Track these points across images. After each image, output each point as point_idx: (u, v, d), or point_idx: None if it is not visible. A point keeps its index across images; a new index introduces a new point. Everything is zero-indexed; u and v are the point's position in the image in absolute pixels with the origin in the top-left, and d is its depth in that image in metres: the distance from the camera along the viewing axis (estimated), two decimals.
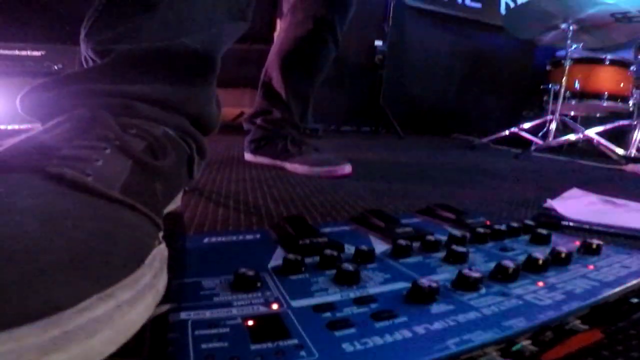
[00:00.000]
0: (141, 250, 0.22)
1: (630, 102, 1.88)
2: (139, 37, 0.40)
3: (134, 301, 0.19)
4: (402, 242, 0.34)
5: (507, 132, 1.93)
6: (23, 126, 1.32)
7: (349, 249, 0.34)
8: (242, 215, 0.54)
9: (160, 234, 0.27)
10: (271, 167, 0.95)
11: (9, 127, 1.34)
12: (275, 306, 0.23)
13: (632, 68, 1.93)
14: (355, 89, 2.53)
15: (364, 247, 0.33)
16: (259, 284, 0.26)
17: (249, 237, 0.38)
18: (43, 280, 0.15)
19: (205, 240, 0.36)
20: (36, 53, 1.52)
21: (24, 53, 1.50)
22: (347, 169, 0.89)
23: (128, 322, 0.18)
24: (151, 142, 0.34)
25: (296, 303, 0.24)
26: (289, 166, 0.93)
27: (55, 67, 1.51)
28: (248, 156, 1.05)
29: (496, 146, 2.00)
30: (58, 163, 0.25)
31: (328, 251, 0.31)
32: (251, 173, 0.86)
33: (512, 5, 2.94)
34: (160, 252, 0.25)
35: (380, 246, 0.36)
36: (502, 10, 2.92)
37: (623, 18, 1.71)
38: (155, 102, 0.38)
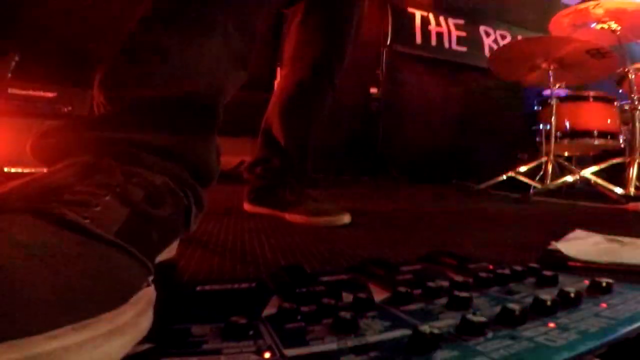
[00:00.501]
0: (126, 289, 0.23)
1: (621, 139, 1.92)
2: (149, 85, 0.43)
3: (110, 335, 0.19)
4: (402, 289, 0.33)
5: (504, 177, 1.95)
6: (27, 170, 1.32)
7: (347, 297, 0.33)
8: (239, 265, 0.53)
9: (150, 278, 0.28)
10: (270, 216, 0.95)
11: (13, 170, 1.34)
12: (267, 355, 0.22)
13: (616, 103, 1.99)
14: (353, 137, 2.59)
15: (362, 295, 0.31)
16: (251, 332, 0.25)
17: (244, 285, 0.36)
18: (20, 307, 0.17)
19: (198, 288, 0.35)
20: (49, 94, 1.56)
21: (37, 93, 1.54)
22: (346, 218, 0.88)
23: (101, 354, 0.18)
24: (151, 191, 0.34)
25: (290, 352, 0.22)
26: (288, 216, 0.93)
27: (65, 110, 1.55)
28: (247, 206, 1.04)
29: (495, 191, 2.00)
30: (58, 206, 0.26)
31: (325, 299, 0.29)
32: (249, 223, 0.85)
33: (494, 47, 3.10)
34: (147, 293, 0.25)
35: (380, 294, 0.35)
36: (487, 52, 3.08)
37: (597, 54, 1.81)
38: (158, 151, 0.39)
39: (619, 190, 1.61)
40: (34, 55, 1.87)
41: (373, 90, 2.57)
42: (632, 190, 1.59)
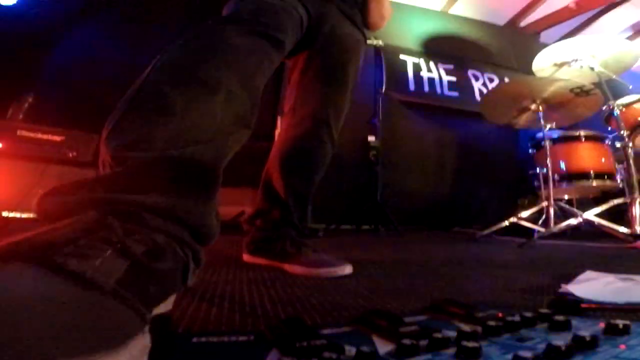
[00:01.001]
0: (121, 334, 0.25)
1: (618, 179, 1.91)
2: (154, 144, 0.44)
3: None
4: (407, 341, 0.31)
5: (506, 223, 1.93)
6: (25, 215, 1.30)
7: (350, 351, 0.31)
8: (237, 316, 0.50)
9: (146, 328, 0.28)
10: (270, 267, 0.92)
11: (11, 215, 1.31)
12: None
13: (607, 142, 2.00)
14: (353, 187, 2.60)
15: (365, 349, 0.30)
16: None
17: (242, 338, 0.35)
18: (20, 341, 0.20)
19: (194, 339, 0.34)
20: (56, 138, 1.55)
21: (45, 137, 1.53)
22: (348, 268, 0.86)
23: None
24: (151, 247, 0.36)
25: None
26: (288, 267, 0.90)
27: (70, 155, 1.55)
28: (246, 257, 1.02)
29: (498, 237, 1.97)
30: (61, 257, 0.28)
31: (327, 353, 0.28)
32: (248, 274, 0.83)
33: (484, 90, 3.19)
34: (141, 340, 0.26)
35: (384, 347, 0.33)
36: (477, 96, 3.17)
37: (581, 92, 1.85)
38: (159, 212, 0.41)
39: (623, 229, 1.58)
40: (46, 98, 1.93)
41: (371, 138, 2.61)
42: (637, 229, 1.56)
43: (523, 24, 3.86)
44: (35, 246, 0.30)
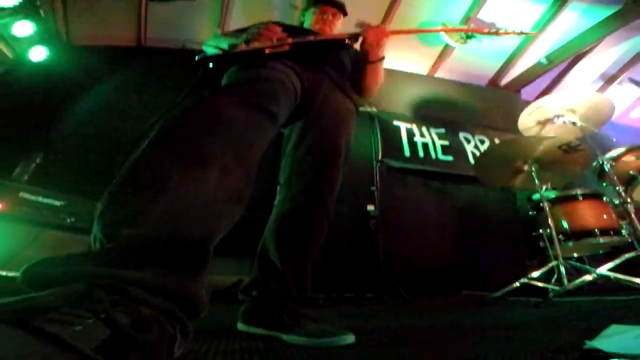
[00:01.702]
0: None
1: (624, 233, 1.85)
2: (145, 222, 0.45)
3: None
4: None
5: (517, 284, 1.83)
6: (12, 273, 1.26)
7: None
8: None
9: None
10: (266, 337, 0.85)
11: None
12: None
13: (605, 198, 1.97)
14: (354, 256, 2.52)
15: None
16: None
17: None
18: None
19: None
20: (56, 202, 1.54)
21: (46, 201, 1.52)
22: (350, 338, 0.79)
23: None
24: (136, 319, 0.36)
25: None
26: (286, 337, 0.83)
27: (68, 220, 1.53)
28: (241, 326, 0.95)
29: (510, 298, 1.85)
30: (40, 321, 0.29)
31: None
32: (242, 344, 0.76)
33: (477, 153, 3.21)
34: None
35: None
36: (471, 159, 3.20)
37: (568, 149, 1.86)
38: (148, 287, 0.41)
39: None
40: (53, 161, 1.98)
41: (370, 207, 2.59)
42: None
43: (504, 82, 4.11)
44: (17, 309, 0.30)
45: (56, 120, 2.64)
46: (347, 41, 1.16)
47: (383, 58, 1.24)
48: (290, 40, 1.05)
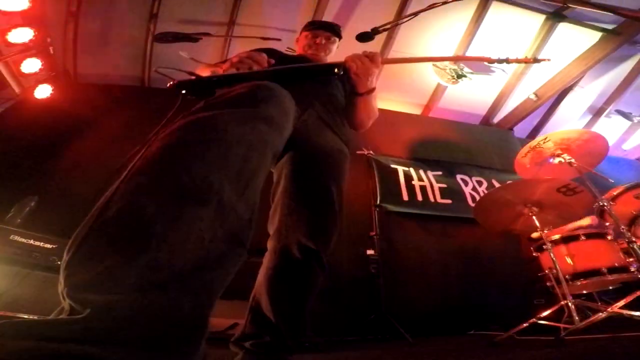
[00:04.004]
0: None
1: (633, 269, 1.77)
2: (121, 284, 0.35)
3: None
4: None
5: (526, 324, 1.72)
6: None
7: None
8: None
9: None
10: None
11: None
12: None
13: (609, 237, 1.91)
14: (355, 300, 2.43)
15: None
16: None
17: None
18: None
19: None
20: (48, 245, 1.52)
21: (36, 244, 1.50)
22: None
23: None
24: None
25: None
26: None
27: (58, 263, 1.50)
28: None
29: (520, 337, 1.74)
30: None
31: None
32: None
33: (475, 195, 3.17)
34: None
35: None
36: (470, 201, 3.13)
37: (567, 191, 1.82)
38: None
39: None
40: (47, 204, 1.95)
41: (370, 252, 2.54)
42: None
43: (496, 119, 4.18)
44: None
45: (54, 162, 2.63)
46: (336, 70, 1.01)
47: (373, 89, 1.12)
48: (267, 65, 0.96)
